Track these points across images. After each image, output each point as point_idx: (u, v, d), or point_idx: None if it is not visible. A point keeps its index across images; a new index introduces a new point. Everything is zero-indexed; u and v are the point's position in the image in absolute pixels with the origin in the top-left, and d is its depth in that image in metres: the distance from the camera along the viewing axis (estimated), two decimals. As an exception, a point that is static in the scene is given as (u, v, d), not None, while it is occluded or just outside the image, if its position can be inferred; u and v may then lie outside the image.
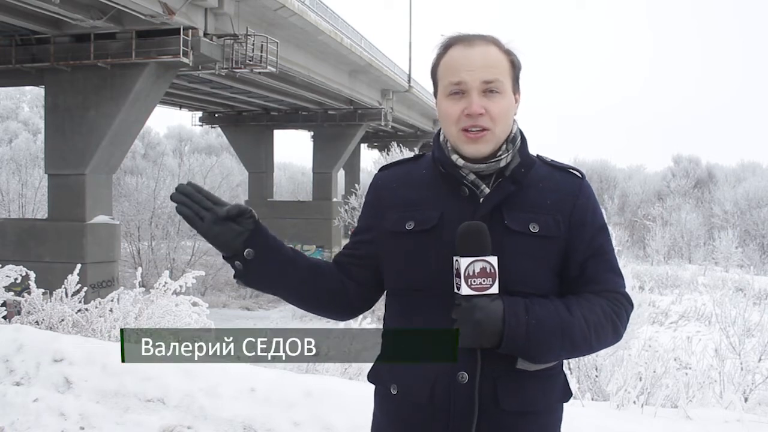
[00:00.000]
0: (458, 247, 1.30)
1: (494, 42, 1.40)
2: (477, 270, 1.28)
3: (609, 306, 1.39)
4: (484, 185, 1.40)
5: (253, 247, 1.39)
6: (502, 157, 1.40)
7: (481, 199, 1.39)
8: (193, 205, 1.37)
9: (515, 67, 1.41)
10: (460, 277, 1.29)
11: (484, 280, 1.28)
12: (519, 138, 1.43)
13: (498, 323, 1.28)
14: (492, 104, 1.36)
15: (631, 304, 1.44)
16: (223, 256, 1.41)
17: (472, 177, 1.40)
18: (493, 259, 1.29)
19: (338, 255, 1.56)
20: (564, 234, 1.40)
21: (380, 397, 1.48)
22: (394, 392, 1.42)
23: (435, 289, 1.37)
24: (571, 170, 1.47)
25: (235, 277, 1.43)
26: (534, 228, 1.38)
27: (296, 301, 1.50)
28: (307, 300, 1.51)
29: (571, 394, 1.49)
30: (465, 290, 1.28)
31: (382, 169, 1.55)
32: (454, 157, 1.40)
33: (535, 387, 1.38)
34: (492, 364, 1.34)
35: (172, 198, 1.37)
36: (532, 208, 1.39)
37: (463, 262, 1.28)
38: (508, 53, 1.40)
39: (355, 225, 1.57)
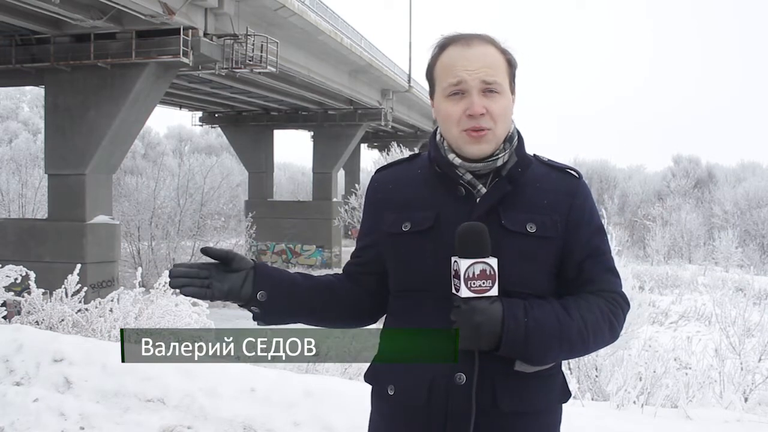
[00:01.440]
0: (458, 248, 1.29)
1: (491, 41, 1.39)
2: (477, 272, 1.27)
3: (606, 306, 1.38)
4: (480, 185, 1.39)
5: (263, 288, 1.41)
6: (500, 156, 1.39)
7: (478, 199, 1.38)
8: (194, 281, 1.37)
9: (512, 66, 1.41)
10: (459, 279, 1.27)
11: (483, 282, 1.27)
12: (516, 137, 1.43)
13: (497, 326, 1.27)
14: (492, 104, 1.35)
15: (628, 304, 1.44)
16: (239, 305, 1.43)
17: (468, 177, 1.39)
18: (494, 261, 1.28)
19: (347, 265, 1.57)
20: (561, 234, 1.39)
21: (377, 398, 1.47)
22: (391, 393, 1.41)
23: (432, 290, 1.36)
24: (568, 170, 1.46)
25: (254, 320, 1.44)
26: (531, 228, 1.37)
27: (315, 322, 1.51)
28: (326, 319, 1.52)
29: (570, 395, 1.48)
30: (464, 292, 1.27)
31: (379, 170, 1.55)
32: (451, 156, 1.40)
33: (533, 387, 1.37)
34: (490, 364, 1.33)
35: (171, 285, 1.39)
36: (529, 208, 1.39)
37: (463, 264, 1.27)
38: (504, 52, 1.40)
39: (355, 225, 1.58)
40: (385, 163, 1.57)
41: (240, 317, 21.32)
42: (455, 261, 1.30)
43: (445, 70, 1.38)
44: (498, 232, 1.33)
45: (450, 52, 1.38)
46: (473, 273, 1.27)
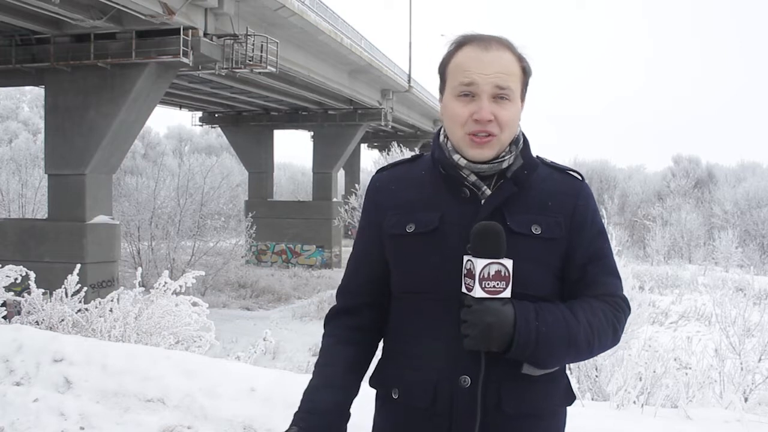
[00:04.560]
0: (473, 247, 1.28)
1: (508, 46, 1.37)
2: (492, 273, 1.26)
3: (610, 310, 1.38)
4: (485, 186, 1.38)
5: None
6: (505, 158, 1.38)
7: (482, 201, 1.37)
8: None
9: (526, 73, 1.39)
10: (473, 278, 1.26)
11: (497, 284, 1.26)
12: (522, 140, 1.42)
13: (509, 328, 1.27)
14: (501, 110, 1.34)
15: (629, 307, 1.44)
16: None
17: (473, 178, 1.38)
18: (509, 263, 1.27)
19: (347, 299, 1.52)
20: (565, 235, 1.39)
21: (381, 402, 1.47)
22: (395, 396, 1.41)
23: (436, 292, 1.36)
24: (570, 172, 1.46)
25: None
26: (536, 230, 1.37)
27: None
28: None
29: (575, 398, 1.48)
30: (478, 292, 1.26)
31: (380, 170, 1.53)
32: (456, 157, 1.38)
33: (538, 390, 1.37)
34: (496, 367, 1.33)
35: None
36: (534, 209, 1.38)
37: (479, 264, 1.26)
38: (520, 59, 1.38)
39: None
40: (386, 164, 1.55)
41: (240, 317, 21.26)
42: (469, 260, 1.28)
43: (458, 69, 1.36)
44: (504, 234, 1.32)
45: (466, 51, 1.36)
46: (488, 273, 1.26)
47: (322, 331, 1.53)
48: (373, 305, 1.48)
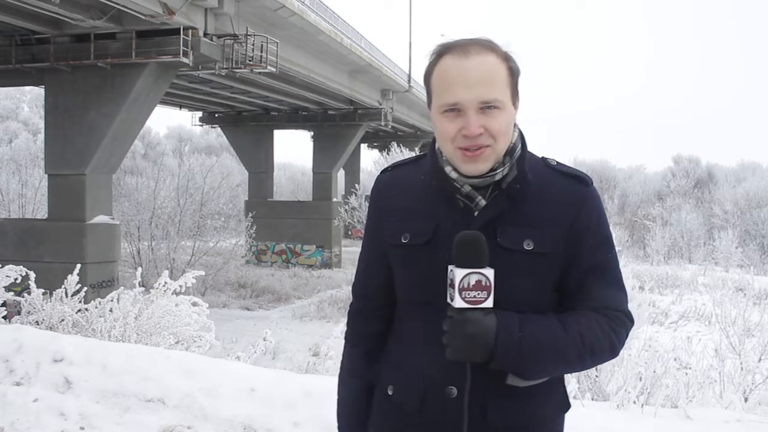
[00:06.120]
0: (454, 256, 1.26)
1: (491, 48, 1.29)
2: (472, 282, 1.24)
3: (608, 324, 1.33)
4: (479, 197, 1.34)
5: None
6: (498, 171, 1.33)
7: (476, 213, 1.34)
8: None
9: (513, 74, 1.31)
10: (454, 288, 1.24)
11: (478, 294, 1.24)
12: (518, 148, 1.36)
13: (490, 338, 1.24)
14: (491, 120, 1.27)
15: (632, 321, 1.38)
16: None
17: (467, 189, 1.34)
18: (490, 272, 1.25)
19: (360, 306, 1.56)
20: (563, 248, 1.34)
21: (378, 397, 1.48)
22: (390, 393, 1.43)
23: (431, 302, 1.34)
24: (576, 176, 1.38)
25: None
26: (528, 245, 1.31)
27: None
28: None
29: (569, 407, 1.45)
30: (458, 302, 1.24)
31: (384, 171, 1.51)
32: (448, 169, 1.34)
33: (526, 402, 1.34)
34: (482, 379, 1.31)
35: None
36: (529, 222, 1.33)
37: (458, 274, 1.24)
38: (506, 59, 1.30)
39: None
40: (392, 163, 1.53)
41: (240, 317, 21.25)
42: (451, 270, 1.26)
43: (441, 82, 1.30)
44: (494, 249, 1.28)
45: (447, 61, 1.29)
46: (468, 283, 1.24)
47: (340, 327, 1.55)
48: (385, 308, 1.50)
